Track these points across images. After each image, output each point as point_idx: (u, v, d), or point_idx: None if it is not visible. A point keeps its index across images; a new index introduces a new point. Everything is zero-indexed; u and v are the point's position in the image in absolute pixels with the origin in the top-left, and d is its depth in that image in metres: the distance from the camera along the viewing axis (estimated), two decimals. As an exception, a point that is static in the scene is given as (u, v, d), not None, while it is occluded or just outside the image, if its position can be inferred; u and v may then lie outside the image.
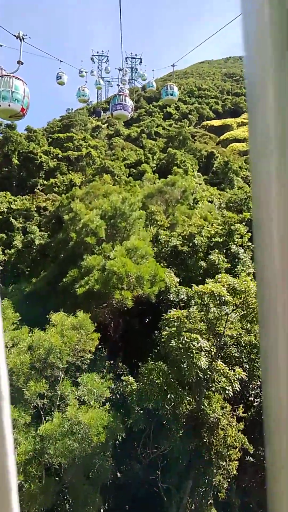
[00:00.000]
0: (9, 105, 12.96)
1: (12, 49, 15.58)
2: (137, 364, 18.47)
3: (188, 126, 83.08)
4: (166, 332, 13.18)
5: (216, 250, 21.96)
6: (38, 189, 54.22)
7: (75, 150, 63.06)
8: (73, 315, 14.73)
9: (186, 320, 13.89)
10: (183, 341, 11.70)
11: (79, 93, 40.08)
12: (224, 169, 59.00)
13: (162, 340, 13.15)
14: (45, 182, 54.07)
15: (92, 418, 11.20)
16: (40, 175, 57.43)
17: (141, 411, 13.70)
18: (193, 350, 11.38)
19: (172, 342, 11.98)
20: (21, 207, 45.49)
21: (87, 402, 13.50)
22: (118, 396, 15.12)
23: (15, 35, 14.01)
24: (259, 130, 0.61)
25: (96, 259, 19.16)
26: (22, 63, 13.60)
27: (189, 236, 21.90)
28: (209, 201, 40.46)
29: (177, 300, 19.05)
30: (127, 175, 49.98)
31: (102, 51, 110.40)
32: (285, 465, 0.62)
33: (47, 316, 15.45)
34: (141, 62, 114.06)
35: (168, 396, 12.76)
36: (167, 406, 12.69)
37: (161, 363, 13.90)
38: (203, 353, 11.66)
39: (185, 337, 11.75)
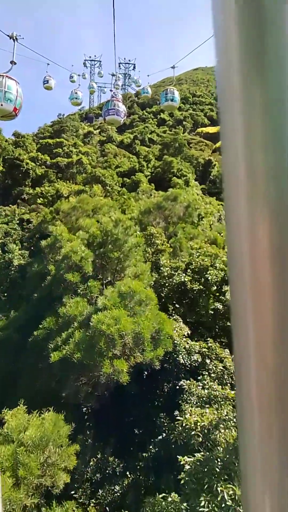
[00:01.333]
0: (1, 105, 12.61)
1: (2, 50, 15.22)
2: (134, 453, 13.11)
3: (183, 133, 78.13)
4: (187, 466, 7.67)
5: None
6: (24, 198, 48.58)
7: (65, 157, 57.44)
8: (38, 413, 9.28)
9: (217, 429, 8.49)
10: (223, 504, 6.34)
11: (72, 96, 38.79)
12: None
13: (181, 479, 7.70)
14: (31, 191, 48.42)
15: None
16: (27, 183, 51.75)
17: None
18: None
19: (201, 502, 6.58)
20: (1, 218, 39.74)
21: None
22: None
23: (8, 35, 13.74)
24: (230, 154, 0.59)
25: (79, 306, 13.76)
26: (15, 63, 13.41)
27: (200, 270, 16.60)
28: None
29: (189, 362, 13.74)
30: (120, 185, 44.60)
31: (95, 56, 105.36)
32: (257, 462, 0.61)
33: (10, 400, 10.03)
34: (134, 67, 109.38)
35: None
36: None
37: (175, 494, 8.55)
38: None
39: (225, 495, 6.37)
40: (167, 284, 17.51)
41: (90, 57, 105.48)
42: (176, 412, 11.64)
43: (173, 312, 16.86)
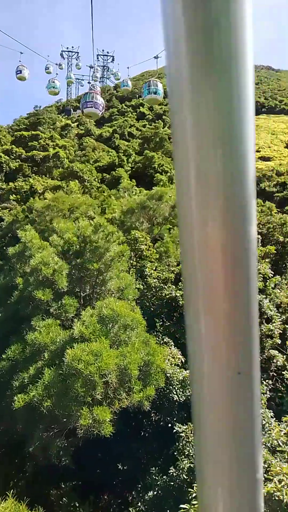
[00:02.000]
0: None
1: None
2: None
3: (163, 128, 75.47)
4: None
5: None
6: (-3, 194, 44.91)
7: (41, 150, 53.74)
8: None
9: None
10: None
11: (49, 85, 37.50)
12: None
13: None
14: (4, 186, 44.80)
15: None
16: (0, 177, 48.03)
17: None
18: None
19: None
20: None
21: None
22: None
23: None
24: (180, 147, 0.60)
25: (50, 332, 11.10)
26: None
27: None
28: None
29: (183, 398, 11.35)
30: (100, 181, 41.67)
31: (72, 47, 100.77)
32: (211, 457, 0.63)
33: None
34: (113, 60, 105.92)
35: None
36: None
37: None
38: None
39: None
40: (154, 298, 15.08)
41: (67, 48, 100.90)
42: (172, 470, 9.32)
43: (161, 329, 14.47)
